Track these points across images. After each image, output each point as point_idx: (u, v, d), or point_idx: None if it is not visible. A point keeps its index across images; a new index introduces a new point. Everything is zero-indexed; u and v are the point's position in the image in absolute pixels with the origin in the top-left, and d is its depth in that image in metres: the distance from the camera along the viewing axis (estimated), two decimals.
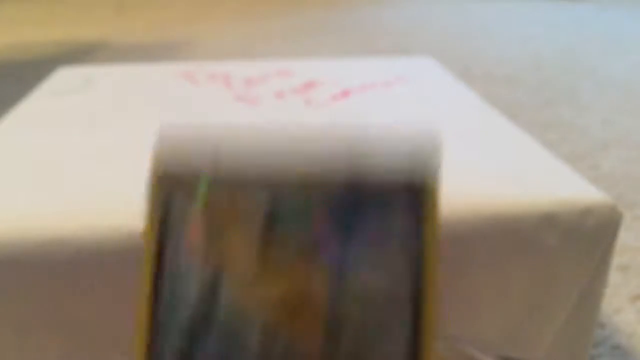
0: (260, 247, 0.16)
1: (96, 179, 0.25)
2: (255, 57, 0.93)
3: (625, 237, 0.42)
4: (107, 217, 0.22)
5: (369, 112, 0.33)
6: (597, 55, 0.94)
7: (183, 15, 1.34)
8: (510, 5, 1.42)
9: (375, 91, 0.37)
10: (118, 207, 0.22)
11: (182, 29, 1.18)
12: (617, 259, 0.39)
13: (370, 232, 0.17)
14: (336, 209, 0.17)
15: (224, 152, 0.17)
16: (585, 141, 0.60)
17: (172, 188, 0.17)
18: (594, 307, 0.24)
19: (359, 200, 0.17)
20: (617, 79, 0.81)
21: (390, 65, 0.43)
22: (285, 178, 0.17)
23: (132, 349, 0.23)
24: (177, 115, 0.33)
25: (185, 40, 1.07)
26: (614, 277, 0.37)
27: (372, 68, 0.42)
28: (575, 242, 0.23)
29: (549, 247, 0.23)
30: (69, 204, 0.23)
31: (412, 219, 0.17)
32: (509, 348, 0.25)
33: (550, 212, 0.22)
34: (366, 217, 0.17)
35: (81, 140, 0.29)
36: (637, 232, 0.42)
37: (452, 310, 0.24)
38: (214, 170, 0.17)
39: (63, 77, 0.41)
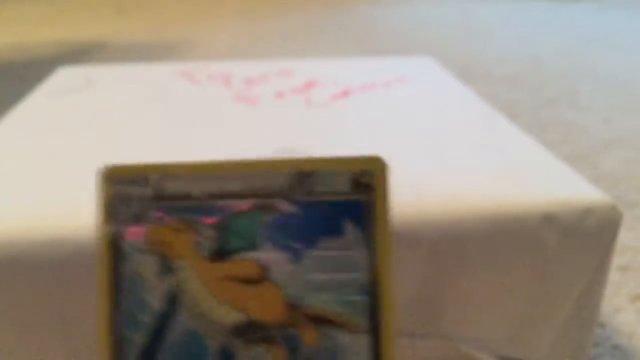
0: (211, 273, 0.17)
1: (95, 179, 0.25)
2: (255, 57, 0.93)
3: (625, 237, 0.42)
4: None
5: (368, 112, 0.33)
6: (597, 55, 0.94)
7: (183, 15, 1.35)
8: (510, 5, 1.42)
9: (375, 91, 0.37)
10: None
11: (182, 29, 1.18)
12: (617, 259, 0.39)
13: (320, 246, 0.17)
14: (283, 230, 0.17)
15: (171, 178, 0.18)
16: (585, 141, 0.60)
17: (121, 203, 0.17)
18: (594, 307, 0.24)
19: (305, 217, 0.17)
20: (617, 79, 0.81)
21: (390, 65, 0.43)
22: (232, 202, 0.17)
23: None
24: (177, 115, 0.33)
25: (185, 40, 1.07)
26: (614, 277, 0.37)
27: (372, 68, 0.42)
28: (575, 242, 0.23)
29: (549, 247, 0.23)
30: (69, 204, 0.23)
31: (359, 230, 0.17)
32: (509, 348, 0.25)
33: (550, 212, 0.22)
34: (314, 234, 0.17)
35: (81, 140, 0.29)
36: (637, 232, 0.42)
37: (452, 310, 0.24)
38: (159, 190, 0.17)
39: (63, 77, 0.41)
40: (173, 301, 0.17)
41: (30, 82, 0.80)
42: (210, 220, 0.17)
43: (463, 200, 0.23)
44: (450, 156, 0.26)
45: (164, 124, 0.31)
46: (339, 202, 0.17)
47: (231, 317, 0.17)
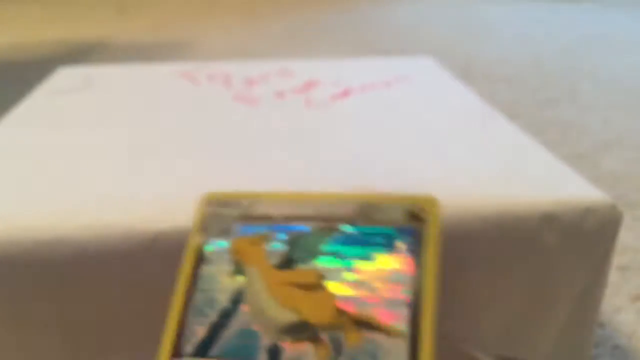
0: (276, 278, 0.20)
1: (96, 178, 0.25)
2: (255, 57, 0.93)
3: (625, 237, 0.42)
4: (108, 216, 0.22)
5: (368, 112, 0.33)
6: (597, 55, 0.94)
7: (183, 15, 1.34)
8: (510, 5, 1.42)
9: (375, 91, 0.37)
10: (118, 206, 0.22)
11: (182, 29, 1.18)
12: (617, 259, 0.39)
13: (374, 260, 0.20)
14: (343, 246, 0.20)
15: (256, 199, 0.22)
16: (585, 141, 0.60)
17: (216, 220, 0.21)
18: (594, 307, 0.24)
19: (364, 237, 0.20)
20: (617, 79, 0.81)
21: (390, 65, 0.43)
22: (304, 222, 0.21)
23: (133, 347, 0.23)
24: (177, 115, 0.33)
25: (185, 40, 1.07)
26: (614, 277, 0.37)
27: (372, 68, 0.42)
28: (575, 242, 0.23)
29: (549, 247, 0.23)
30: (69, 203, 0.23)
31: (410, 250, 0.19)
32: (509, 348, 0.25)
33: (550, 212, 0.22)
34: (370, 251, 0.20)
35: (81, 140, 0.29)
36: (637, 232, 0.42)
37: (452, 310, 0.24)
38: (246, 210, 0.21)
39: (63, 77, 0.41)
40: (238, 300, 0.19)
41: (30, 82, 0.80)
42: (284, 236, 0.20)
43: (462, 200, 0.23)
44: (450, 156, 0.26)
45: (164, 124, 0.31)
46: (394, 228, 0.20)
47: (285, 316, 0.19)
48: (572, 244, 0.23)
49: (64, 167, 0.26)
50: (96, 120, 0.32)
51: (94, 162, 0.26)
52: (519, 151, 0.27)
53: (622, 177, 0.51)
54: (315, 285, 0.19)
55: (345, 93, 0.36)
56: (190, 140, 0.29)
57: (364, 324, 0.18)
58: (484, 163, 0.26)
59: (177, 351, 0.19)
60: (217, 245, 0.21)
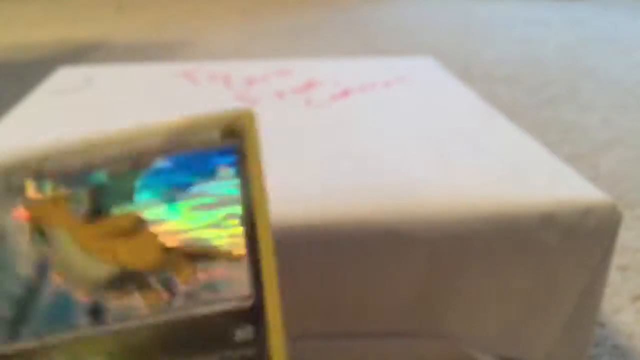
0: (87, 233, 0.17)
1: None
2: (255, 57, 0.93)
3: (625, 237, 0.42)
4: None
5: (368, 112, 0.33)
6: (597, 55, 0.94)
7: (183, 15, 1.34)
8: (510, 5, 1.42)
9: (375, 91, 0.37)
10: None
11: (182, 29, 1.18)
12: (617, 259, 0.39)
13: (195, 188, 0.17)
14: (158, 180, 0.18)
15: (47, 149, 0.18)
16: (585, 141, 0.60)
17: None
18: (594, 307, 0.24)
19: (180, 167, 0.18)
20: (617, 79, 0.81)
21: (390, 65, 0.43)
22: (108, 167, 0.18)
23: None
24: (177, 115, 0.33)
25: (185, 40, 1.07)
26: (614, 277, 0.37)
27: (372, 68, 0.42)
28: (575, 242, 0.23)
29: (549, 247, 0.23)
30: None
31: (232, 170, 0.18)
32: (509, 348, 0.25)
33: (550, 212, 0.22)
34: (189, 179, 0.18)
35: None
36: (637, 232, 0.42)
37: (452, 310, 0.24)
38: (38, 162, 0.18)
39: (63, 77, 0.41)
40: (43, 267, 0.17)
41: (30, 82, 0.80)
42: (85, 186, 0.18)
43: (463, 200, 0.23)
44: (450, 156, 0.26)
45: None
46: (210, 150, 0.18)
47: (104, 270, 0.17)
48: (572, 244, 0.23)
49: None
50: (96, 120, 0.32)
51: None
52: (519, 151, 0.27)
53: (622, 177, 0.51)
54: (133, 229, 0.17)
55: (345, 93, 0.36)
56: None
57: (196, 257, 0.17)
58: (484, 163, 0.26)
59: None
60: (7, 211, 0.18)
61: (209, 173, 0.18)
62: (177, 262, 0.17)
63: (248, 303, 0.16)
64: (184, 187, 0.18)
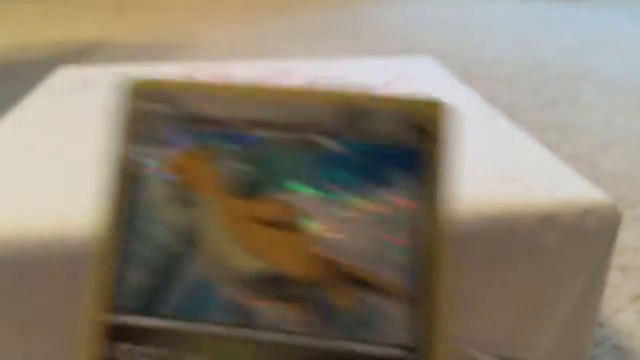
0: (237, 212, 0.15)
1: (96, 179, 0.25)
2: (255, 57, 0.93)
3: (625, 237, 0.42)
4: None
5: None
6: (597, 55, 0.94)
7: (183, 15, 1.34)
8: (510, 5, 1.42)
9: (375, 91, 0.37)
10: None
11: (182, 29, 1.18)
12: (617, 259, 0.39)
13: (365, 194, 0.15)
14: (325, 171, 0.15)
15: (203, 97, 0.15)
16: (585, 141, 0.60)
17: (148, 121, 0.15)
18: (594, 307, 0.24)
19: (352, 160, 0.15)
20: (617, 79, 0.81)
21: (390, 65, 0.43)
22: (271, 133, 0.15)
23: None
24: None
25: (185, 40, 1.07)
26: (614, 277, 0.37)
27: (372, 68, 0.42)
28: (575, 242, 0.23)
29: (549, 247, 0.23)
30: (69, 203, 0.23)
31: (411, 181, 0.15)
32: (509, 348, 0.25)
33: (550, 212, 0.22)
34: (360, 180, 0.15)
35: (81, 140, 0.29)
36: (637, 232, 0.42)
37: (452, 310, 0.24)
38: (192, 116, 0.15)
39: (63, 77, 0.41)
40: (189, 239, 0.15)
41: (30, 82, 0.80)
42: (243, 149, 0.15)
43: (462, 200, 0.23)
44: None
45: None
46: (391, 147, 0.15)
47: (253, 265, 0.14)
48: (572, 244, 0.23)
49: (63, 167, 0.26)
50: (96, 120, 0.32)
51: (94, 162, 0.26)
52: (519, 151, 0.27)
53: (621, 177, 0.51)
54: (289, 224, 0.14)
55: None
56: None
57: (355, 280, 0.14)
58: (484, 163, 0.26)
59: (112, 306, 0.14)
60: (154, 161, 0.15)
61: (385, 178, 0.14)
62: (332, 278, 0.14)
63: (404, 354, 0.14)
64: (352, 189, 0.14)
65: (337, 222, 0.14)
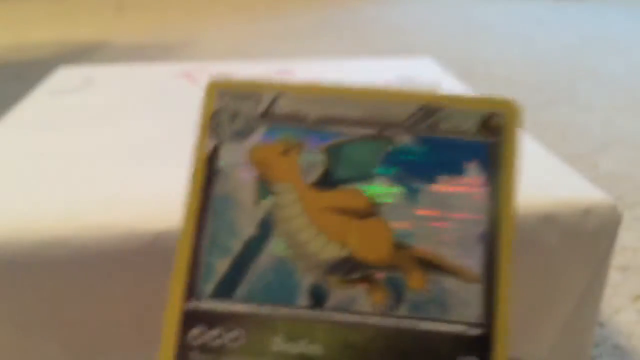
0: (316, 201, 0.15)
1: (96, 179, 0.25)
2: (255, 57, 0.93)
3: (625, 237, 0.42)
4: (108, 216, 0.22)
5: None
6: (597, 55, 0.94)
7: (183, 15, 1.34)
8: (510, 5, 1.42)
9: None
10: (118, 206, 0.22)
11: (182, 29, 1.18)
12: (617, 259, 0.39)
13: (439, 184, 0.16)
14: (400, 163, 0.16)
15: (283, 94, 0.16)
16: (585, 141, 0.60)
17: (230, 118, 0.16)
18: (594, 307, 0.24)
19: (426, 152, 0.16)
20: (617, 79, 0.81)
21: (390, 65, 0.43)
22: (347, 128, 0.16)
23: (133, 347, 0.23)
24: (177, 115, 0.33)
25: (185, 40, 1.07)
26: (614, 277, 0.37)
27: (372, 68, 0.42)
28: (575, 242, 0.23)
29: (549, 247, 0.23)
30: (69, 203, 0.23)
31: (483, 172, 0.16)
32: (509, 348, 0.25)
33: (550, 212, 0.22)
34: (434, 171, 0.16)
35: (81, 140, 0.29)
36: (637, 232, 0.42)
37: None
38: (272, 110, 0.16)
39: (63, 77, 0.41)
40: (267, 227, 0.15)
41: (30, 82, 0.80)
42: (320, 144, 0.16)
43: None
44: None
45: (164, 124, 0.31)
46: (463, 141, 0.16)
47: (331, 250, 0.15)
48: (572, 244, 0.23)
49: (64, 167, 0.26)
50: (96, 120, 0.32)
51: (94, 162, 0.26)
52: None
53: (622, 177, 0.51)
54: (367, 212, 0.15)
55: None
56: (191, 140, 0.29)
57: (429, 264, 0.15)
58: None
59: (192, 292, 0.15)
60: (233, 154, 0.16)
61: (458, 169, 0.16)
62: (408, 263, 0.15)
63: (477, 331, 0.15)
64: (426, 179, 0.16)
65: (411, 210, 0.15)
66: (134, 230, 0.21)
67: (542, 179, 0.24)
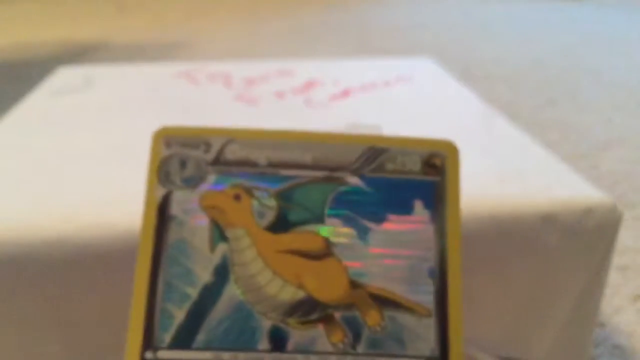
0: (270, 244, 0.16)
1: (96, 179, 0.25)
2: (255, 57, 0.93)
3: (625, 237, 0.42)
4: (107, 217, 0.22)
5: (368, 112, 0.33)
6: (597, 55, 0.94)
7: (183, 15, 1.34)
8: (510, 5, 1.42)
9: (375, 91, 0.37)
10: (118, 206, 0.22)
11: (182, 29, 1.18)
12: (617, 259, 0.39)
13: (388, 223, 0.16)
14: (350, 204, 0.16)
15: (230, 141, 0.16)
16: (585, 141, 0.60)
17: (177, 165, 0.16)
18: (594, 307, 0.24)
19: (374, 193, 0.16)
20: (618, 79, 0.81)
21: (390, 65, 0.43)
22: (297, 171, 0.16)
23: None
24: (177, 115, 0.33)
25: (185, 40, 1.07)
26: (614, 277, 0.37)
27: (372, 68, 0.42)
28: (575, 242, 0.23)
29: (549, 247, 0.23)
30: (69, 203, 0.23)
31: (428, 210, 0.16)
32: (509, 348, 0.25)
33: (550, 212, 0.22)
34: (382, 210, 0.16)
35: (81, 139, 0.29)
36: (637, 232, 0.42)
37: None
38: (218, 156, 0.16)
39: (63, 77, 0.41)
40: (223, 273, 0.15)
41: (30, 82, 0.80)
42: (272, 188, 0.16)
43: (463, 201, 0.23)
44: None
45: (164, 123, 0.31)
46: (408, 181, 0.16)
47: (288, 292, 0.15)
48: (572, 244, 0.23)
49: (64, 167, 0.26)
50: (96, 120, 0.32)
51: (94, 162, 0.26)
52: (519, 151, 0.27)
53: (622, 177, 0.51)
54: (322, 253, 0.16)
55: (345, 93, 0.36)
56: None
57: (384, 301, 0.15)
58: (484, 163, 0.26)
59: (149, 342, 0.15)
60: (185, 201, 0.16)
61: (405, 208, 0.16)
62: (364, 301, 0.15)
63: None
64: (376, 218, 0.16)
65: (363, 249, 0.16)
66: (133, 229, 0.21)
67: (542, 179, 0.24)
